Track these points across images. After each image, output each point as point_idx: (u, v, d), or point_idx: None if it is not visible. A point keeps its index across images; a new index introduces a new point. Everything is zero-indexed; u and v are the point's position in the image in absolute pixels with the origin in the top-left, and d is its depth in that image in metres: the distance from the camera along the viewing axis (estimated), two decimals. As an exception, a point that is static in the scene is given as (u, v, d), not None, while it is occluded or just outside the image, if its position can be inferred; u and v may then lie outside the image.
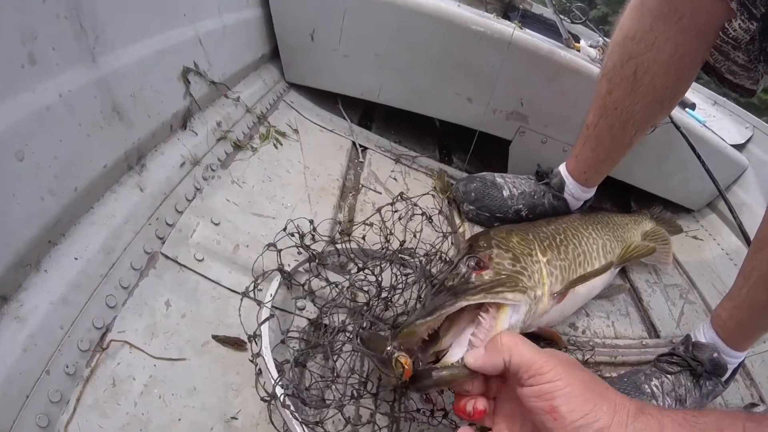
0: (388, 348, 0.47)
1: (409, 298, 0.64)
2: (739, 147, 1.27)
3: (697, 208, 1.24)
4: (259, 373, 0.51)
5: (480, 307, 0.53)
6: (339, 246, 0.63)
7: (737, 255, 1.12)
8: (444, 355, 0.50)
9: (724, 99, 1.53)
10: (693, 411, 0.37)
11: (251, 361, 0.50)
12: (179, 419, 0.46)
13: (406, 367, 0.45)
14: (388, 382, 0.53)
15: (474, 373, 0.44)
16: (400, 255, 0.64)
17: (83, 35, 0.50)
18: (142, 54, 0.59)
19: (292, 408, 0.46)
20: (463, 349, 0.48)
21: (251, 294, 0.56)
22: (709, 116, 1.42)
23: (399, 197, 0.62)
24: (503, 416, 0.46)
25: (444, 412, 0.56)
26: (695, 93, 1.49)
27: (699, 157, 0.98)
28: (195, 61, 0.72)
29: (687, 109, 1.25)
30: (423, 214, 0.63)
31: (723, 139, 1.21)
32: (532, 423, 0.43)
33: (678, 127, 0.97)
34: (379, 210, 0.61)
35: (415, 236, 0.65)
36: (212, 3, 0.77)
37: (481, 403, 0.45)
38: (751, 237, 0.68)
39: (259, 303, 0.54)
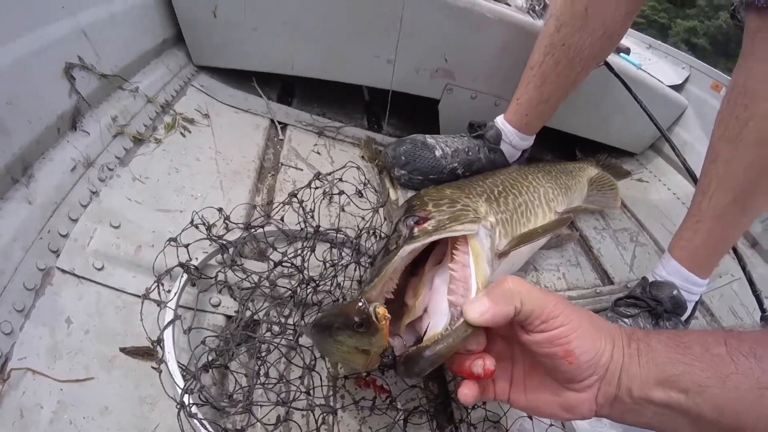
0: (360, 305, 0.38)
1: (343, 280, 0.59)
2: (677, 87, 1.28)
3: (640, 151, 1.24)
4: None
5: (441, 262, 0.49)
6: (255, 231, 0.57)
7: (683, 193, 1.13)
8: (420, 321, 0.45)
9: (659, 42, 1.54)
10: (675, 331, 0.38)
11: (154, 369, 0.44)
12: (94, 442, 0.42)
13: (387, 316, 0.38)
14: (356, 367, 0.45)
15: (476, 330, 0.38)
16: (326, 233, 0.58)
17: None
18: (15, 57, 0.54)
19: (200, 416, 0.40)
20: (443, 315, 0.42)
21: (155, 296, 0.50)
22: (645, 60, 1.42)
23: (317, 177, 0.55)
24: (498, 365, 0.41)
25: (389, 397, 0.52)
26: (629, 38, 1.48)
27: (636, 99, 0.97)
28: (79, 55, 0.65)
29: (621, 54, 1.24)
30: (341, 192, 0.58)
31: (660, 81, 1.21)
32: (525, 364, 0.41)
33: (612, 69, 0.96)
34: (292, 194, 0.55)
35: (344, 210, 0.59)
36: (96, -10, 0.70)
37: (490, 362, 0.39)
38: (697, 174, 0.69)
39: (159, 304, 0.48)
